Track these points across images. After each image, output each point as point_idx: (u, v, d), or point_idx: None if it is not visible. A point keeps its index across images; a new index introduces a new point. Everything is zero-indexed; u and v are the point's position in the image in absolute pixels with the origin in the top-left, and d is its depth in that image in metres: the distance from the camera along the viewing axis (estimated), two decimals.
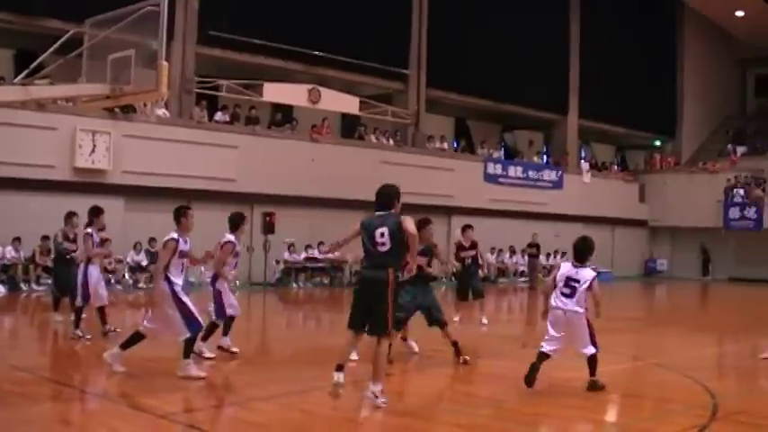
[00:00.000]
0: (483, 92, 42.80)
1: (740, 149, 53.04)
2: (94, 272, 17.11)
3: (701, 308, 33.29)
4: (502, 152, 46.04)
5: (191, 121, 33.06)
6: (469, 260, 21.16)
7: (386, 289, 11.35)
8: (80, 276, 16.94)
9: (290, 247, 34.01)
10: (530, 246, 38.16)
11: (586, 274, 12.46)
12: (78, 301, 17.00)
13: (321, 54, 36.13)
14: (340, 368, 11.35)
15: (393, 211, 11.99)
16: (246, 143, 33.55)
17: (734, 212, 47.22)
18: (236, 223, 16.15)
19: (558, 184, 45.11)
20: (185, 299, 13.03)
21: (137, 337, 13.21)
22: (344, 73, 37.52)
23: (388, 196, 12.22)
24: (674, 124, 55.57)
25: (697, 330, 24.36)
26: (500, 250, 40.97)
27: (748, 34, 55.46)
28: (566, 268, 12.68)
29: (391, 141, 38.91)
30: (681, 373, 15.04)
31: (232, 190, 32.37)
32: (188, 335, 12.86)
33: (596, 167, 50.53)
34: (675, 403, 12.60)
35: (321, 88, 35.36)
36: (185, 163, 31.51)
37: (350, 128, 39.32)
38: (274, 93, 34.80)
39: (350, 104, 36.85)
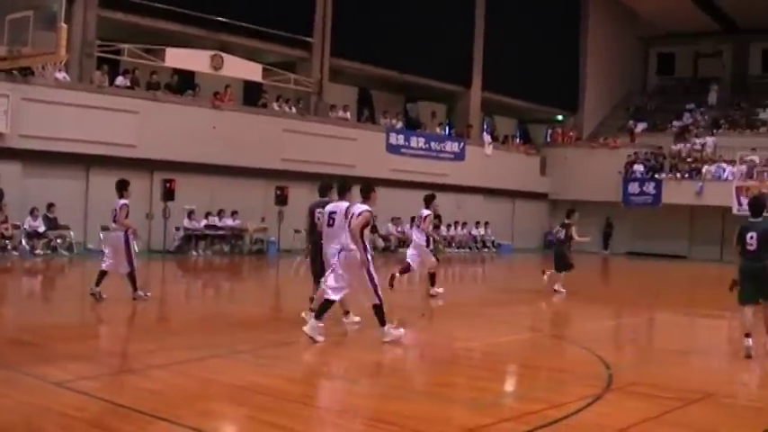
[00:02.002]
0: (387, 62, 42.75)
1: (640, 126, 53.86)
2: None
3: (599, 281, 33.75)
4: (404, 123, 46.05)
5: (91, 86, 32.50)
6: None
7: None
8: None
9: (191, 214, 33.75)
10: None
11: None
12: None
13: (224, 20, 35.74)
14: None
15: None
16: (147, 109, 33.09)
17: (633, 188, 47.92)
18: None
19: (459, 156, 45.29)
20: (373, 269, 14.03)
21: (327, 305, 14.05)
22: (247, 39, 37.17)
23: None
24: (576, 99, 56.20)
25: (594, 303, 24.71)
26: (401, 220, 41.05)
27: (651, 13, 56.27)
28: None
29: (294, 110, 38.68)
30: (577, 345, 15.31)
31: (132, 156, 31.94)
32: (378, 302, 13.89)
33: (498, 140, 50.84)
34: (571, 374, 12.82)
35: (224, 54, 35.02)
36: (85, 128, 30.95)
37: (252, 95, 39.02)
38: (177, 58, 34.39)
39: (253, 72, 36.57)
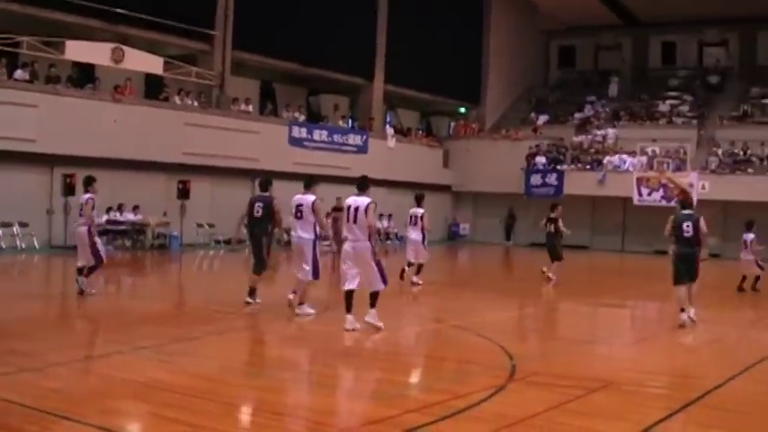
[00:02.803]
0: (289, 55, 42.58)
1: (542, 118, 54.35)
2: None
3: (501, 272, 34.04)
4: (306, 116, 45.88)
5: None
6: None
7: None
8: None
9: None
10: (334, 210, 38.30)
11: None
12: None
13: (124, 12, 35.24)
14: None
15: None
16: (47, 102, 32.50)
17: (535, 179, 48.25)
18: None
19: (362, 149, 45.30)
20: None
21: (349, 296, 15.08)
22: (148, 32, 36.70)
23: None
24: (478, 92, 56.43)
25: (498, 294, 24.96)
26: None
27: (552, 6, 56.82)
28: None
29: (196, 103, 38.36)
30: (481, 336, 15.40)
31: (32, 150, 31.39)
32: (381, 288, 15.16)
33: (401, 133, 50.94)
34: (475, 364, 12.92)
35: (124, 47, 34.55)
36: None
37: (154, 89, 38.60)
38: (77, 51, 33.86)
39: (154, 65, 36.16)
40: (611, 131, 50.01)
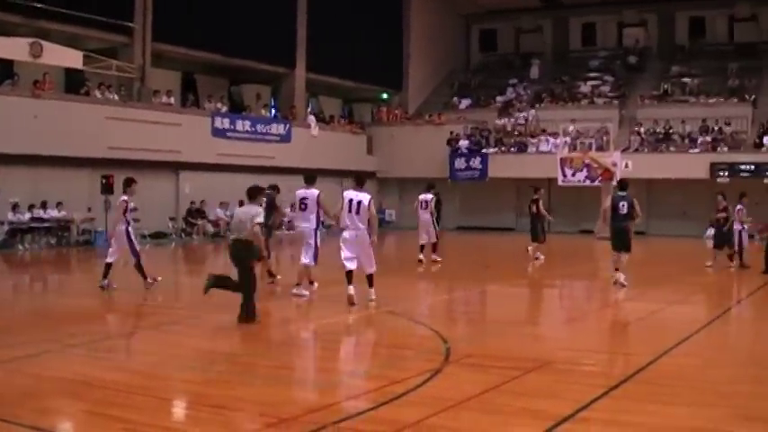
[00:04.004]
0: (210, 46, 42.28)
1: (465, 102, 54.58)
2: None
3: (430, 257, 34.14)
4: (229, 106, 45.60)
5: None
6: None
7: None
8: None
9: (15, 207, 32.85)
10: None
11: None
12: None
13: (42, 6, 34.79)
14: None
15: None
16: None
17: (459, 163, 48.42)
18: None
19: (285, 138, 45.13)
20: None
21: (349, 275, 17.07)
22: (67, 26, 36.23)
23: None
24: (400, 78, 56.48)
25: (427, 278, 25.01)
26: (229, 204, 40.76)
27: None
28: None
29: (117, 97, 37.97)
30: (414, 321, 15.48)
31: None
32: (374, 269, 17.37)
33: (324, 121, 50.84)
34: (410, 349, 12.99)
35: (43, 42, 34.08)
36: None
37: (74, 83, 38.15)
38: None
39: (73, 59, 35.67)
40: (532, 113, 50.37)
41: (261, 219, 15.18)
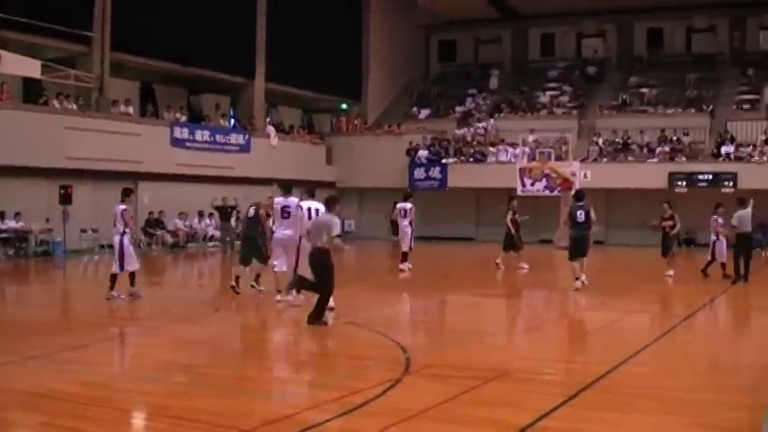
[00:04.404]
0: (170, 55, 42.10)
1: (424, 112, 54.70)
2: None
3: (390, 267, 34.09)
4: (188, 116, 45.40)
5: None
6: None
7: None
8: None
9: None
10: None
11: None
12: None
13: (0, 15, 34.57)
14: None
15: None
16: None
17: (419, 173, 48.46)
18: None
19: (245, 148, 45.03)
20: None
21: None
22: (25, 35, 35.89)
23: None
24: (360, 88, 56.49)
25: (387, 288, 25.01)
26: (187, 215, 40.65)
27: (432, 1, 57.18)
28: None
29: (75, 106, 37.74)
30: (374, 331, 15.47)
31: None
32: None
33: (284, 131, 50.75)
34: (370, 360, 12.99)
35: (1, 51, 33.87)
36: None
37: (32, 93, 37.90)
38: None
39: (31, 68, 35.36)
40: (492, 123, 50.56)
41: (337, 231, 15.92)
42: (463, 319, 18.80)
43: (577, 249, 22.64)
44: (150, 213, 38.56)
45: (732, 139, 44.18)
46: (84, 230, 35.25)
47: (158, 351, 13.66)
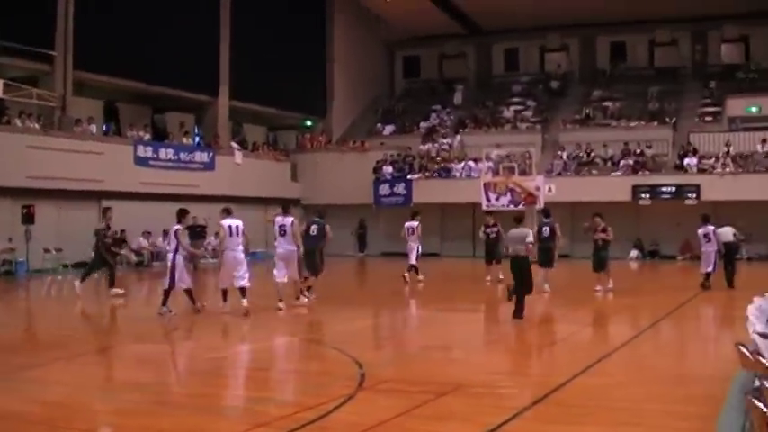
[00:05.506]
0: (133, 74, 42.01)
1: (389, 128, 54.81)
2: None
3: (354, 283, 34.15)
4: (152, 135, 45.26)
5: None
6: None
7: None
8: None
9: None
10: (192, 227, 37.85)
11: None
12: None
13: None
14: None
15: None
16: None
17: (384, 189, 48.54)
18: None
19: (209, 166, 44.98)
20: None
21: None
22: None
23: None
24: (324, 105, 56.62)
25: (350, 304, 25.01)
26: (152, 234, 40.46)
27: (396, 17, 57.45)
28: None
29: (38, 125, 37.58)
30: (332, 347, 15.51)
31: None
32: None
33: (248, 148, 50.71)
34: (325, 375, 13.06)
35: None
36: None
37: None
38: None
39: None
40: (456, 139, 50.73)
41: (531, 239, 19.43)
42: (423, 334, 18.85)
43: (545, 259, 25.42)
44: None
45: (695, 152, 44.52)
46: (47, 250, 35.09)
47: (117, 369, 13.67)
